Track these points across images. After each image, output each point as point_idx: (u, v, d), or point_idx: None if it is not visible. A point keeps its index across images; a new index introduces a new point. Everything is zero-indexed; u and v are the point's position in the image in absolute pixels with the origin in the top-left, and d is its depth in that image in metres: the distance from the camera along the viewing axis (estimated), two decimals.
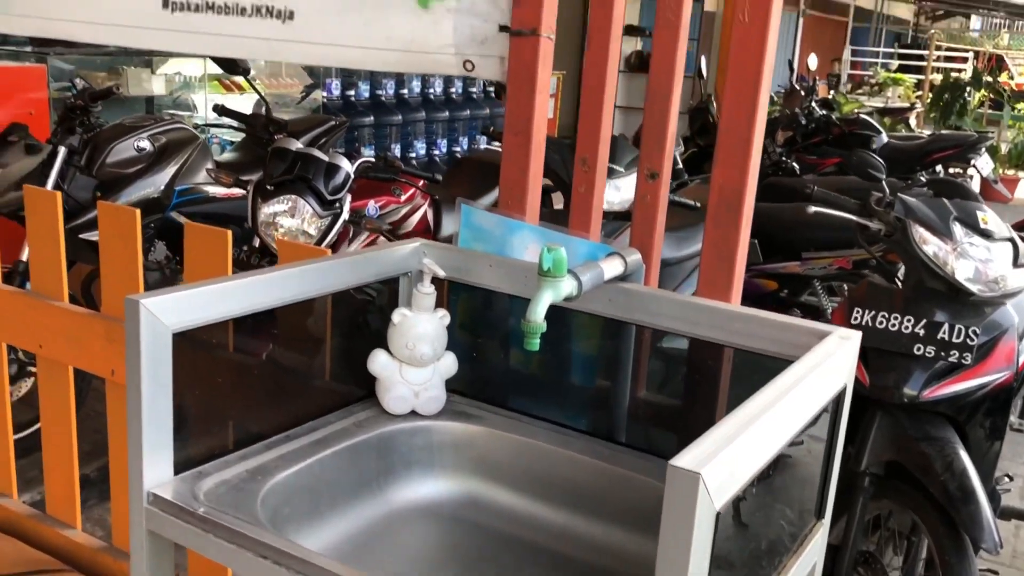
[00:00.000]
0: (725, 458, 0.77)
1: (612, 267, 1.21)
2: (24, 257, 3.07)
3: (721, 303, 1.22)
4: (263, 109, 3.35)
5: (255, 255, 2.95)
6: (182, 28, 1.61)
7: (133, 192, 3.28)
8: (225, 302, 1.14)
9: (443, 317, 1.35)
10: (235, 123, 3.41)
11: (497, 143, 4.00)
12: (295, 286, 1.24)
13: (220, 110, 3.34)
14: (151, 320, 1.04)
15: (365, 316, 1.45)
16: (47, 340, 1.96)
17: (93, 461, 2.72)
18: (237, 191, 3.35)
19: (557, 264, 1.10)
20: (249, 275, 1.18)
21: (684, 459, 0.74)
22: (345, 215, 2.92)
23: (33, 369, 3.05)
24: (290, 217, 2.85)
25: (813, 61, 6.61)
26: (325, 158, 2.88)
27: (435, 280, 1.34)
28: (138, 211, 1.83)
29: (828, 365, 1.02)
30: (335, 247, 2.99)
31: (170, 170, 3.36)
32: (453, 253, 1.41)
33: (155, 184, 3.33)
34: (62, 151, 3.12)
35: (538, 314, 1.09)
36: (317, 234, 2.88)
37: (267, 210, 2.84)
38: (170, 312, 1.07)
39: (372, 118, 5.67)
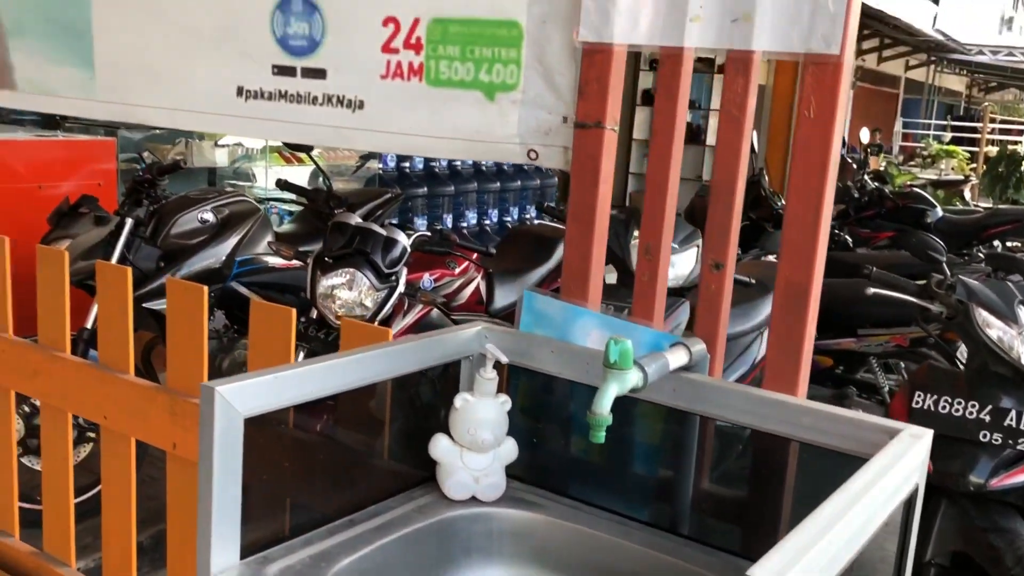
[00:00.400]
0: (802, 569, 0.75)
1: (677, 358, 1.21)
2: (88, 325, 3.15)
3: (788, 397, 1.21)
4: (320, 179, 3.44)
5: (312, 326, 2.99)
6: (255, 115, 1.67)
7: (196, 263, 3.37)
8: (295, 388, 1.16)
9: (504, 403, 1.36)
10: (297, 197, 3.50)
11: (549, 216, 4.05)
12: (361, 371, 1.25)
13: (283, 185, 3.44)
14: (225, 407, 1.06)
15: (427, 399, 1.46)
16: (111, 412, 2.01)
17: (147, 528, 2.74)
18: (295, 261, 3.42)
19: (623, 357, 1.10)
20: (318, 361, 1.20)
21: (763, 570, 0.73)
22: (401, 288, 2.96)
23: (92, 435, 3.11)
24: (348, 290, 2.89)
25: (865, 135, 6.60)
26: (383, 233, 2.94)
27: (497, 365, 1.35)
28: (205, 288, 1.88)
29: (901, 466, 1.00)
30: (390, 319, 3.03)
31: (232, 241, 3.45)
32: (515, 337, 1.42)
33: (217, 255, 3.41)
34: (129, 222, 3.22)
35: (604, 407, 1.09)
36: (373, 306, 2.92)
37: (326, 283, 2.89)
38: (243, 398, 1.09)
39: (425, 189, 5.78)
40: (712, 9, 1.23)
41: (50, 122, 5.16)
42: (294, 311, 1.77)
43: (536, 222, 4.09)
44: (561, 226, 3.89)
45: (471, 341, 1.41)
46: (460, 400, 1.34)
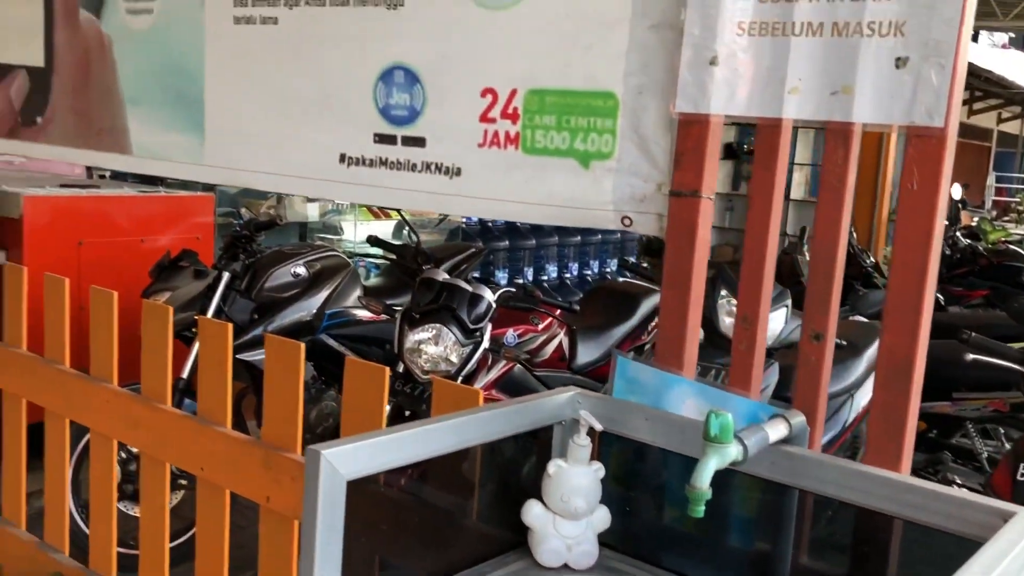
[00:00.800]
0: None
1: (776, 431, 1.20)
2: (184, 374, 3.26)
3: (891, 473, 1.18)
4: (405, 231, 3.51)
5: (399, 380, 3.04)
6: (356, 181, 1.73)
7: (288, 316, 3.47)
8: (394, 452, 1.19)
9: (598, 470, 1.35)
10: (387, 253, 3.58)
11: (632, 273, 4.05)
12: (457, 436, 1.27)
13: (374, 241, 3.52)
14: (329, 470, 1.09)
15: (519, 464, 1.47)
16: (208, 464, 2.07)
17: None
18: (383, 315, 3.49)
19: (724, 430, 1.10)
20: (417, 426, 1.23)
21: None
22: (486, 343, 2.99)
23: (184, 482, 3.20)
24: (434, 345, 2.94)
25: (957, 191, 6.43)
26: (469, 289, 2.98)
27: (590, 431, 1.35)
28: (302, 346, 1.93)
29: (1018, 554, 0.96)
30: (475, 374, 3.05)
31: (322, 295, 3.54)
32: (608, 404, 1.42)
33: (308, 308, 3.50)
34: (226, 276, 3.34)
35: (704, 481, 1.08)
36: (459, 361, 2.95)
37: (413, 337, 2.93)
38: (345, 462, 1.11)
39: (507, 242, 5.84)
40: (811, 81, 1.24)
41: (152, 178, 5.41)
42: (387, 370, 1.81)
43: (620, 279, 4.08)
44: (644, 283, 3.88)
45: (564, 407, 1.42)
46: (553, 467, 1.34)
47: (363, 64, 1.68)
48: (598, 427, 1.34)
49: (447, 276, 3.04)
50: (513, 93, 1.54)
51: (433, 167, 1.64)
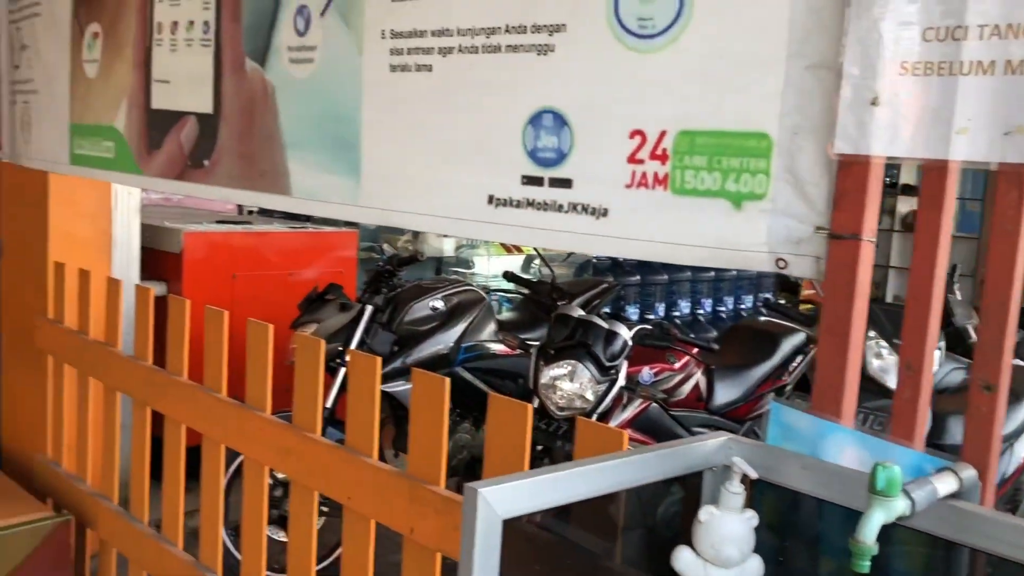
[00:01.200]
0: None
1: (945, 484, 1.15)
2: (328, 404, 3.38)
3: None
4: (535, 264, 3.55)
5: (534, 415, 3.06)
6: (504, 222, 1.77)
7: (426, 348, 3.56)
8: (548, 492, 1.20)
9: (751, 518, 1.32)
10: (521, 288, 3.63)
11: (774, 312, 3.95)
12: (610, 478, 1.27)
13: (509, 276, 3.58)
14: (486, 508, 1.11)
15: (668, 508, 1.45)
16: (355, 493, 2.13)
17: None
18: (518, 349, 3.53)
19: (891, 484, 1.06)
20: (572, 466, 1.23)
21: None
22: (621, 381, 2.98)
23: (325, 508, 3.30)
24: (569, 381, 2.95)
25: None
26: (605, 326, 2.98)
27: (744, 479, 1.33)
28: (448, 381, 1.98)
29: None
30: (609, 413, 3.04)
31: (459, 329, 3.62)
32: (762, 450, 1.39)
33: (445, 341, 3.59)
34: (368, 309, 3.46)
35: (869, 536, 1.04)
36: (594, 399, 2.95)
37: (548, 373, 2.96)
38: (502, 500, 1.13)
39: (638, 277, 5.81)
40: (981, 121, 1.19)
41: (297, 214, 5.69)
42: (530, 407, 1.83)
43: (762, 319, 3.99)
44: (785, 322, 3.78)
45: (716, 452, 1.40)
46: (705, 514, 1.32)
47: (513, 108, 1.73)
48: (753, 475, 1.31)
49: (582, 312, 3.06)
50: (662, 134, 1.54)
51: (579, 208, 1.66)
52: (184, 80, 2.43)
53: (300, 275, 4.43)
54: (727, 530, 1.31)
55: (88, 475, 3.19)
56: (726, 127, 1.47)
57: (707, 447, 1.40)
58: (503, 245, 5.52)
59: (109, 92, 2.74)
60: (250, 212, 6.27)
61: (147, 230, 3.91)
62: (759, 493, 1.40)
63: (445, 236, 5.34)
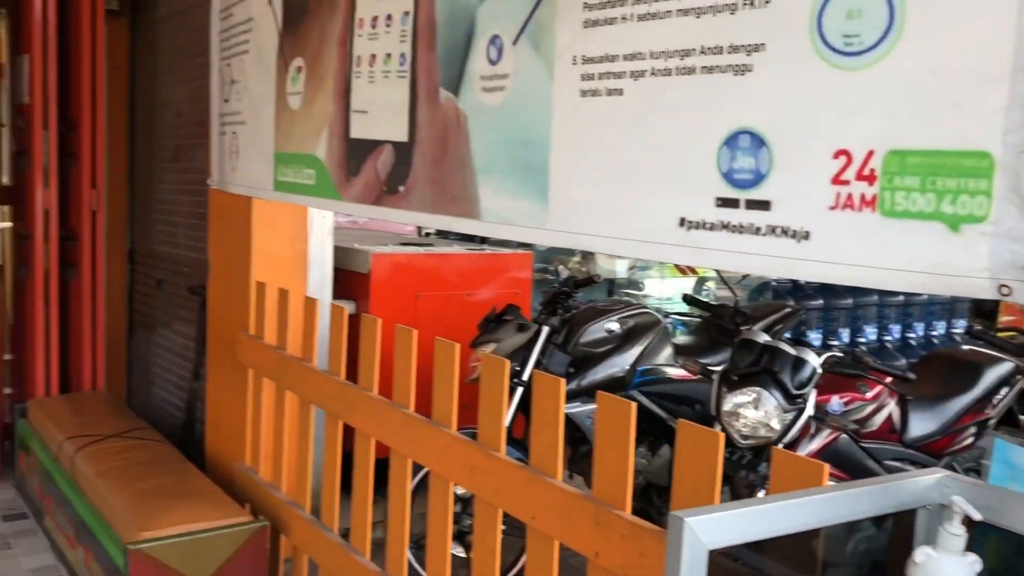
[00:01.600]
0: None
1: None
2: (505, 422, 3.43)
3: None
4: (709, 286, 3.47)
5: None
6: (696, 245, 1.74)
7: (601, 371, 3.55)
8: (756, 524, 1.16)
9: (973, 563, 1.24)
10: (702, 311, 3.57)
11: (978, 340, 3.69)
12: (817, 512, 1.22)
13: (689, 300, 3.53)
14: (692, 538, 1.09)
15: (874, 545, 1.38)
16: (539, 513, 2.15)
17: None
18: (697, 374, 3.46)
19: None
20: (779, 499, 1.20)
21: None
22: (809, 411, 2.86)
23: (503, 526, 3.35)
24: (754, 409, 2.86)
25: None
26: (792, 352, 2.88)
27: (965, 519, 1.24)
28: (634, 405, 1.97)
29: None
30: (795, 444, 2.93)
31: (635, 352, 3.59)
32: (983, 490, 1.30)
33: (621, 364, 3.57)
34: (545, 330, 3.50)
35: None
36: (780, 428, 2.85)
37: (732, 400, 2.88)
38: (708, 530, 1.11)
39: (821, 301, 5.58)
40: None
41: (471, 235, 5.84)
42: (722, 435, 1.79)
43: (964, 347, 3.74)
44: (989, 351, 3.52)
45: (931, 490, 1.32)
46: (922, 555, 1.24)
47: (707, 130, 1.70)
48: (975, 516, 1.22)
49: (768, 337, 2.96)
50: (870, 154, 1.48)
51: (778, 231, 1.61)
52: (381, 110, 2.55)
53: (478, 295, 4.54)
54: (946, 572, 1.22)
55: (283, 484, 3.38)
56: (942, 146, 1.39)
57: (921, 484, 1.32)
58: (677, 267, 5.44)
59: (311, 122, 2.92)
60: (427, 234, 6.49)
61: (337, 251, 4.12)
62: (982, 536, 1.30)
63: (619, 258, 5.33)
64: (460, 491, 3.16)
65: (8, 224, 4.84)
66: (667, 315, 4.12)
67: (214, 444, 4.06)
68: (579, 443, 3.58)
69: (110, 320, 5.20)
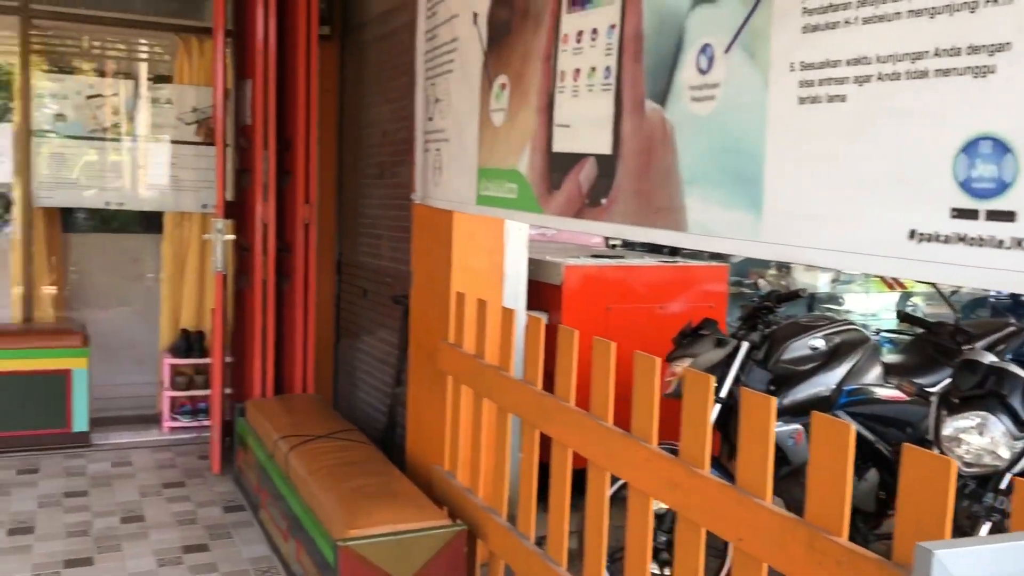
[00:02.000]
0: None
1: None
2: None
3: None
4: (915, 301, 3.24)
5: None
6: (927, 258, 1.64)
7: (804, 389, 3.41)
8: (1010, 561, 1.07)
9: None
10: (917, 329, 3.36)
11: None
12: None
13: (904, 317, 3.33)
14: (942, 572, 1.02)
15: None
16: (747, 535, 2.09)
17: None
18: (900, 394, 3.26)
19: None
20: None
21: None
22: None
23: None
24: (978, 435, 2.66)
25: None
26: (1023, 374, 2.65)
27: None
28: (853, 428, 1.87)
29: None
30: None
31: (841, 370, 3.42)
32: None
33: (826, 383, 3.41)
34: (744, 346, 3.40)
35: None
36: (1009, 457, 2.63)
37: (953, 425, 2.69)
38: (960, 565, 1.04)
39: None
40: None
41: (659, 247, 5.76)
42: (955, 463, 1.67)
43: None
44: None
45: None
46: None
47: (941, 136, 1.60)
48: None
49: (995, 358, 2.75)
50: None
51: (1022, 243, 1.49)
52: (584, 123, 2.57)
53: (670, 308, 4.48)
54: None
55: (480, 489, 3.46)
56: None
57: None
58: (884, 280, 5.15)
59: (513, 138, 2.99)
60: (613, 246, 6.48)
61: (530, 263, 4.19)
62: None
63: (823, 270, 5.10)
64: (655, 507, 3.12)
65: (231, 237, 5.24)
66: (875, 332, 3.90)
67: (414, 448, 4.22)
68: (779, 464, 3.45)
69: (319, 327, 5.54)
